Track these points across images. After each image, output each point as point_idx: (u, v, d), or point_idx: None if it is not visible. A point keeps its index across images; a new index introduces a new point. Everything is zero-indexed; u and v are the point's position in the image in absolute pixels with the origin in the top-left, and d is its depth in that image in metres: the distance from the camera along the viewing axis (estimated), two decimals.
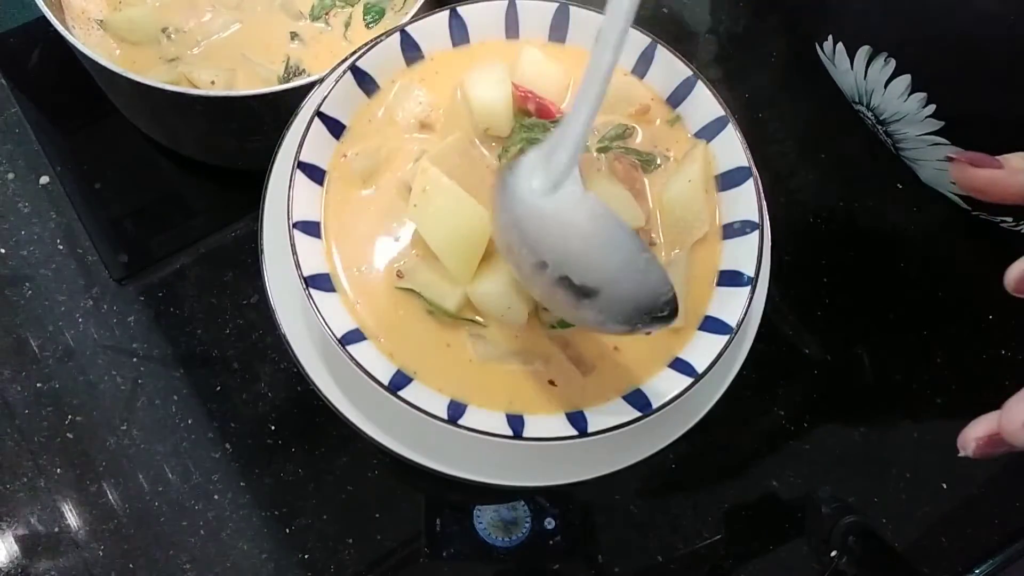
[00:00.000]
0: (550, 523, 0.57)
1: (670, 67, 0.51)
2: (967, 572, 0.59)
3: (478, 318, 0.47)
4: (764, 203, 0.48)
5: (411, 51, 0.51)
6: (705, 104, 0.50)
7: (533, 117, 0.50)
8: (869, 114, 0.63)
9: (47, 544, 0.55)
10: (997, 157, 0.36)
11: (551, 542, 0.57)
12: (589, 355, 0.47)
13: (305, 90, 0.51)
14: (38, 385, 0.59)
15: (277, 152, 0.50)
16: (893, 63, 0.56)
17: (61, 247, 0.64)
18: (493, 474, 0.47)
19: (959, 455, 0.36)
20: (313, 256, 0.46)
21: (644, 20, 0.75)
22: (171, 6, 0.64)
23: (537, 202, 0.39)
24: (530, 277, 0.40)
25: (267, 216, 0.49)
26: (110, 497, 0.57)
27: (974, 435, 0.35)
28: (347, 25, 0.64)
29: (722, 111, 0.50)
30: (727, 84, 0.74)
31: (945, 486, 0.61)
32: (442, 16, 0.51)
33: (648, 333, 0.45)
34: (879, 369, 0.64)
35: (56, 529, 0.56)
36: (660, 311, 0.39)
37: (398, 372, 0.44)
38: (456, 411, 0.43)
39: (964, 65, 0.53)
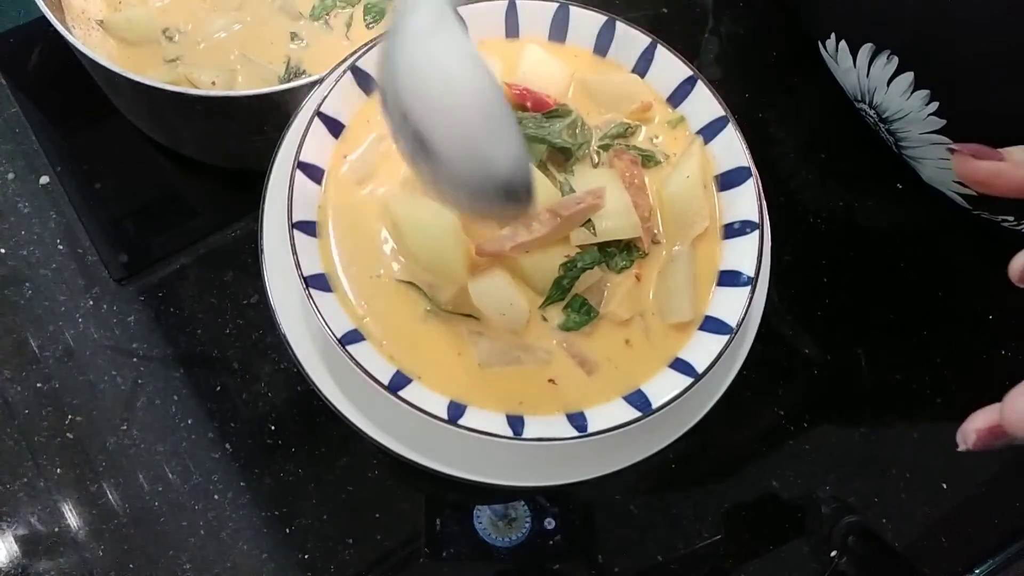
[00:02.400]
0: (550, 523, 0.57)
1: (670, 67, 0.51)
2: (967, 572, 0.59)
3: (475, 315, 0.47)
4: (764, 203, 0.49)
5: None
6: (705, 104, 0.50)
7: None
8: (871, 112, 0.63)
9: (47, 544, 0.55)
10: (999, 150, 0.36)
11: (551, 542, 0.57)
12: (593, 355, 0.47)
13: (305, 90, 0.51)
14: (38, 385, 0.59)
15: (277, 152, 0.50)
16: (896, 61, 0.56)
17: (61, 247, 0.64)
18: (493, 474, 0.47)
19: (958, 449, 0.36)
20: (313, 256, 0.46)
21: (644, 20, 0.76)
22: (171, 6, 0.64)
23: (414, 43, 0.36)
24: (398, 134, 0.38)
25: (267, 216, 0.49)
26: (110, 497, 0.57)
27: (974, 427, 0.35)
28: (348, 25, 0.64)
29: (722, 111, 0.50)
30: (727, 84, 0.74)
31: (945, 486, 0.61)
32: None
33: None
34: (879, 369, 0.64)
35: (56, 529, 0.56)
36: (515, 192, 0.36)
37: (398, 372, 0.44)
38: (456, 411, 0.43)
39: (967, 63, 0.53)
